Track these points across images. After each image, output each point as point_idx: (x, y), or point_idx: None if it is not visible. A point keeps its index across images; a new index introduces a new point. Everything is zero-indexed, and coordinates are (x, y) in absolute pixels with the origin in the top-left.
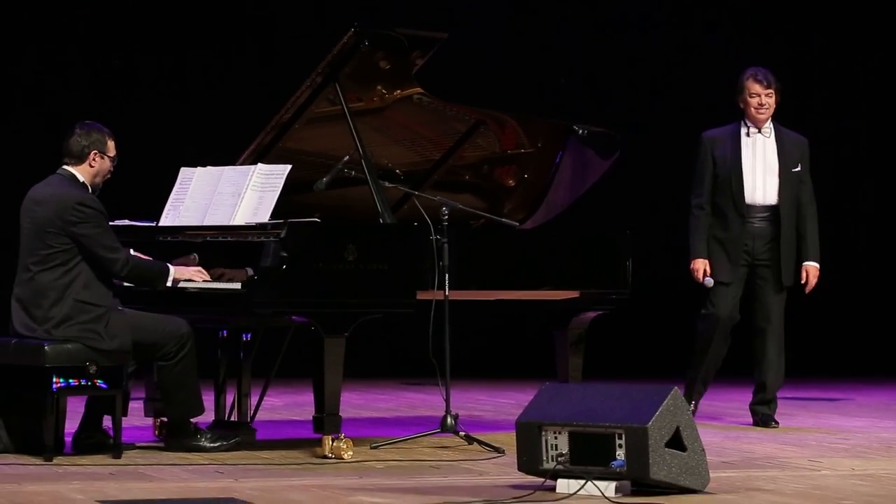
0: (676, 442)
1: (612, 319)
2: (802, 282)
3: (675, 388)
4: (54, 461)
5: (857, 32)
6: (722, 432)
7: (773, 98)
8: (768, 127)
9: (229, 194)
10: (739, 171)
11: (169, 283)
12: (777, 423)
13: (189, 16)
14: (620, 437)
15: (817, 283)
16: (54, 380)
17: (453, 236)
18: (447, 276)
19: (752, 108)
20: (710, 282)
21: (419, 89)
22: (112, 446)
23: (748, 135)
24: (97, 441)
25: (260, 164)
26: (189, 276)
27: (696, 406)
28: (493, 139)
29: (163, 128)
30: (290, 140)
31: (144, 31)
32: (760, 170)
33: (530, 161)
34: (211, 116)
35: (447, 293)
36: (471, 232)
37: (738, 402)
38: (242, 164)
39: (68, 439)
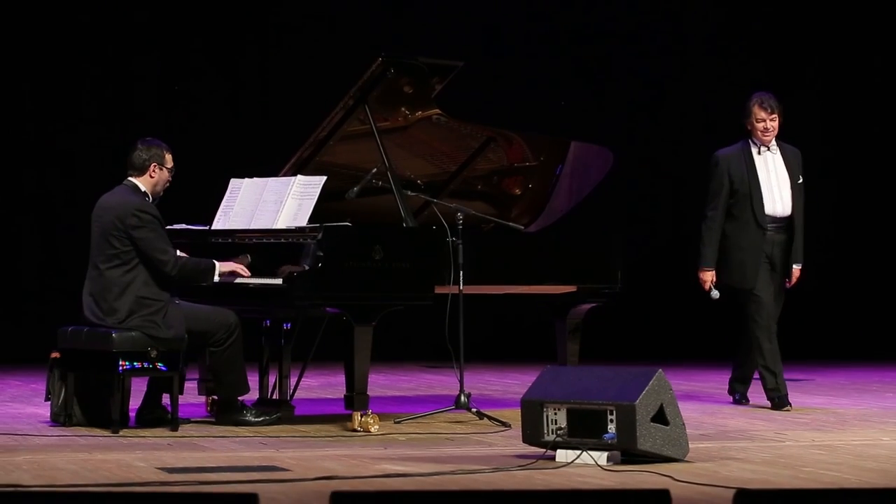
0: (660, 417)
1: (605, 310)
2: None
3: (660, 370)
4: (120, 433)
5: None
6: (700, 408)
7: (777, 121)
8: (773, 144)
9: (272, 202)
10: (758, 186)
11: (217, 278)
12: (790, 404)
13: (238, 48)
14: (612, 414)
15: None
16: (120, 363)
17: (467, 238)
18: (461, 272)
19: (759, 132)
20: (716, 294)
21: (438, 110)
22: (170, 421)
23: (759, 152)
24: (157, 416)
25: (299, 176)
26: (231, 269)
27: (743, 397)
28: (501, 154)
29: (216, 144)
30: (325, 154)
31: (202, 60)
32: (775, 183)
33: (534, 173)
34: (257, 134)
35: (461, 288)
36: (482, 234)
37: (713, 381)
38: (284, 175)
39: (132, 414)
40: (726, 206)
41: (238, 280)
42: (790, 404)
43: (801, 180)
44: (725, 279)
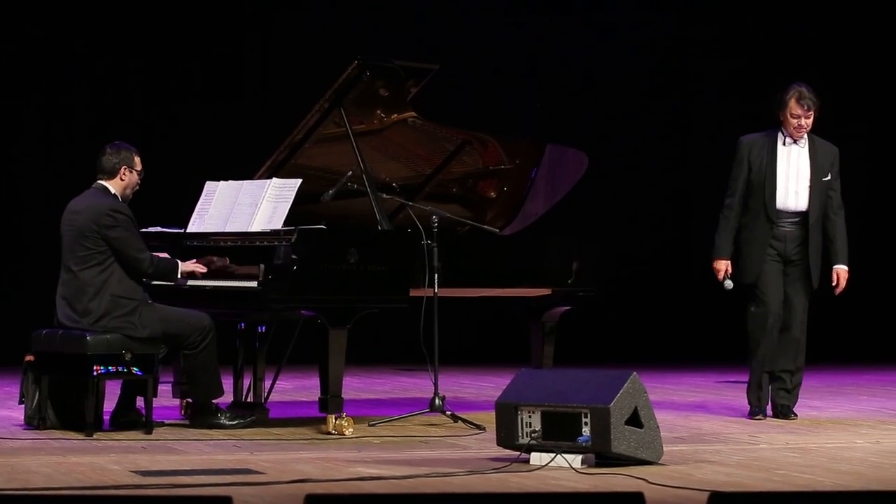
0: (635, 420)
1: (579, 313)
2: (833, 283)
3: (634, 373)
4: (94, 436)
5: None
6: (674, 411)
7: (812, 118)
8: (804, 138)
9: (248, 204)
10: (774, 178)
11: (179, 276)
12: (796, 414)
13: (215, 52)
14: (586, 416)
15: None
16: (95, 366)
17: (442, 241)
18: (436, 275)
19: (791, 127)
20: (729, 284)
21: (413, 113)
22: (144, 424)
23: (784, 144)
24: (131, 419)
25: (274, 179)
26: (191, 269)
27: (762, 411)
28: (477, 157)
29: (191, 146)
30: (300, 157)
31: (177, 63)
32: (793, 178)
33: (509, 176)
34: (232, 137)
35: (436, 291)
36: (457, 237)
37: (687, 384)
38: (259, 178)
39: (106, 417)
40: (744, 194)
41: (214, 283)
42: (795, 414)
43: (828, 177)
44: (734, 272)
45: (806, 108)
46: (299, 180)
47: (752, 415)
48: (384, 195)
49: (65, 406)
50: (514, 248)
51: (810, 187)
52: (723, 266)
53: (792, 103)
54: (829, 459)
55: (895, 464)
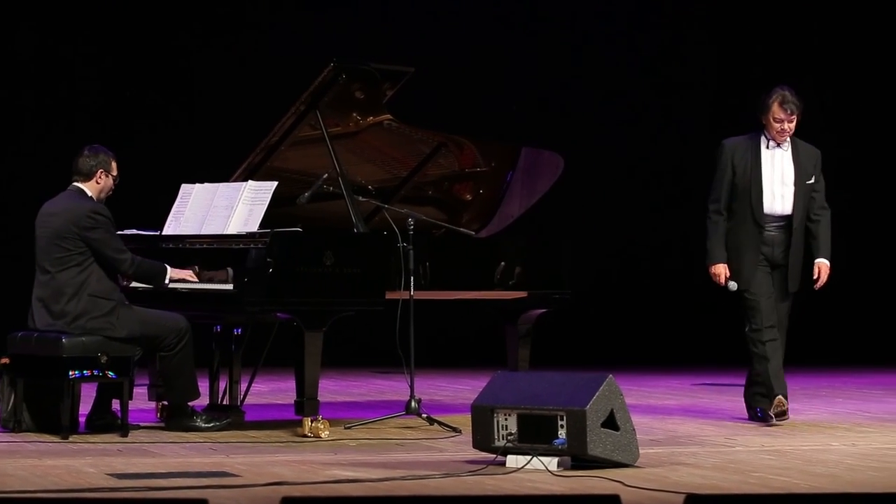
0: (611, 422)
1: (555, 316)
2: (814, 277)
3: (610, 375)
4: (70, 439)
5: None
6: (650, 414)
7: (795, 122)
8: (787, 142)
9: (223, 207)
10: (759, 183)
11: (167, 281)
12: (777, 418)
13: (188, 53)
14: (562, 419)
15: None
16: (70, 369)
17: (418, 244)
18: (412, 278)
19: (774, 131)
20: (733, 286)
21: (389, 116)
22: (120, 426)
23: (768, 147)
24: (107, 422)
25: (250, 181)
26: (183, 276)
27: (765, 414)
28: (452, 159)
29: (167, 149)
30: (276, 160)
31: (151, 66)
32: (778, 182)
33: (485, 178)
34: (209, 139)
35: (412, 293)
36: (433, 240)
37: (663, 387)
38: (235, 180)
39: (82, 420)
40: (729, 198)
41: (188, 285)
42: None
43: (812, 180)
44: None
45: (789, 112)
46: (275, 183)
47: (764, 419)
48: (360, 198)
49: (40, 409)
50: (490, 251)
51: (795, 191)
52: (721, 270)
53: (775, 107)
54: (804, 462)
55: (871, 466)
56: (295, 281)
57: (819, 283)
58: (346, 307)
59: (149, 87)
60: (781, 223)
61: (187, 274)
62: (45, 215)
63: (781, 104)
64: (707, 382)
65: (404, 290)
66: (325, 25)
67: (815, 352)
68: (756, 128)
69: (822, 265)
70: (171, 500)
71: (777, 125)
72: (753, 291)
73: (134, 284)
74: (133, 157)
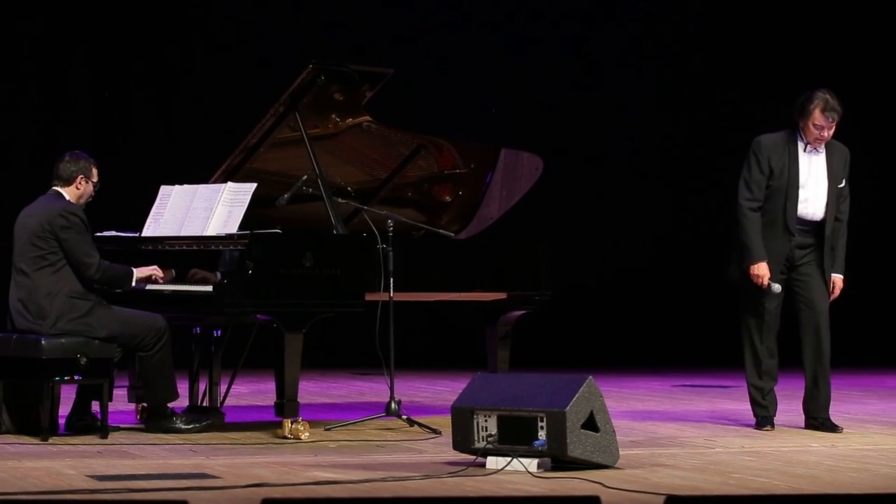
0: (591, 424)
1: (535, 317)
2: (829, 290)
3: (590, 377)
4: (49, 441)
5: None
6: (630, 415)
7: (834, 129)
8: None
9: (203, 209)
10: (796, 189)
11: (133, 284)
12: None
13: (169, 55)
14: (542, 420)
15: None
16: (49, 371)
17: (397, 245)
18: (392, 279)
19: (812, 137)
20: (777, 287)
21: (368, 118)
22: (99, 428)
23: (805, 149)
24: (87, 423)
25: (229, 183)
26: (147, 273)
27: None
28: (432, 161)
29: (146, 150)
30: (255, 161)
31: (130, 67)
32: (813, 186)
33: (464, 180)
34: (188, 140)
35: (392, 295)
36: (412, 241)
37: (642, 389)
38: (214, 182)
39: (62, 422)
40: (764, 195)
41: (169, 286)
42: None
43: (843, 184)
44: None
45: (830, 119)
46: (254, 184)
47: (759, 425)
48: (339, 199)
49: (20, 411)
50: (469, 253)
51: (827, 197)
52: (766, 270)
53: (816, 113)
54: (784, 463)
55: (850, 467)
56: (274, 282)
57: (833, 296)
58: (326, 308)
59: (129, 88)
60: (808, 228)
61: (151, 269)
62: (22, 217)
63: (823, 111)
64: (687, 384)
65: (384, 291)
66: (303, 27)
67: (795, 354)
68: (789, 126)
69: (837, 280)
70: (152, 502)
71: (816, 132)
72: (767, 298)
73: (100, 286)
74: (112, 159)
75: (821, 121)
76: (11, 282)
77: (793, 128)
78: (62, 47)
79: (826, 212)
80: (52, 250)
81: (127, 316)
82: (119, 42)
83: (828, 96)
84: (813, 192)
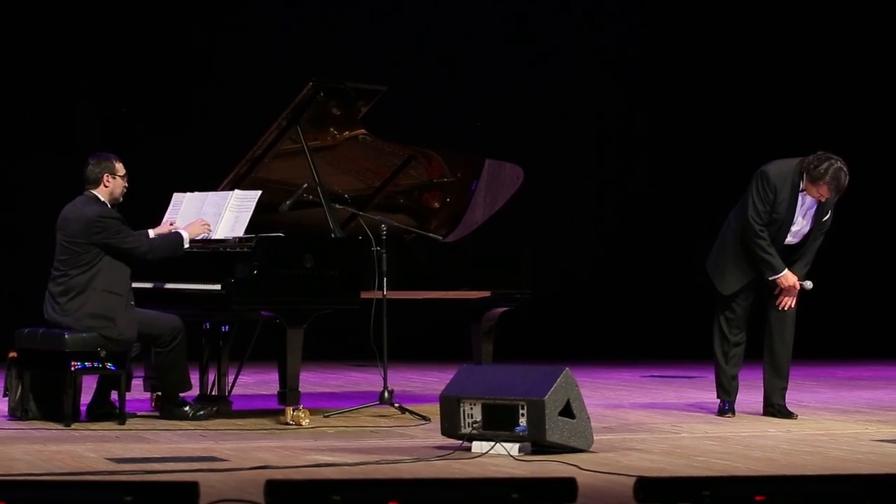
0: (567, 411)
1: (516, 314)
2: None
3: (567, 368)
4: (72, 427)
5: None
6: (603, 403)
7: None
8: None
9: (212, 214)
10: (789, 225)
11: (187, 245)
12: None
13: (180, 74)
14: (523, 408)
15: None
16: (72, 362)
17: (390, 248)
18: (385, 279)
19: (813, 197)
20: (809, 284)
21: (363, 131)
22: (118, 415)
23: (802, 189)
24: (106, 411)
25: (236, 190)
26: (197, 231)
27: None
28: (422, 170)
29: (160, 161)
30: (260, 171)
31: (145, 84)
32: (801, 221)
33: (451, 188)
34: (198, 152)
35: (385, 293)
36: (404, 244)
37: (615, 379)
38: (222, 189)
39: (83, 409)
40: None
41: (184, 286)
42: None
43: (828, 216)
44: (710, 275)
45: (835, 196)
46: (259, 192)
47: (721, 412)
48: (337, 206)
49: (45, 399)
50: (456, 254)
51: (811, 229)
52: (793, 278)
53: (825, 189)
54: (744, 447)
55: (804, 451)
56: (278, 282)
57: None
58: (325, 306)
59: (145, 105)
60: (787, 248)
61: (199, 226)
62: (63, 220)
63: (831, 190)
64: (656, 374)
65: (378, 290)
66: (305, 46)
67: (754, 345)
68: (797, 160)
69: (804, 285)
70: (165, 483)
71: (817, 196)
72: (737, 300)
73: (135, 284)
74: (130, 168)
75: (826, 194)
76: (50, 274)
77: (799, 165)
78: (74, 61)
79: (806, 238)
80: (86, 252)
81: (147, 318)
82: (133, 56)
83: (841, 174)
84: (801, 226)
